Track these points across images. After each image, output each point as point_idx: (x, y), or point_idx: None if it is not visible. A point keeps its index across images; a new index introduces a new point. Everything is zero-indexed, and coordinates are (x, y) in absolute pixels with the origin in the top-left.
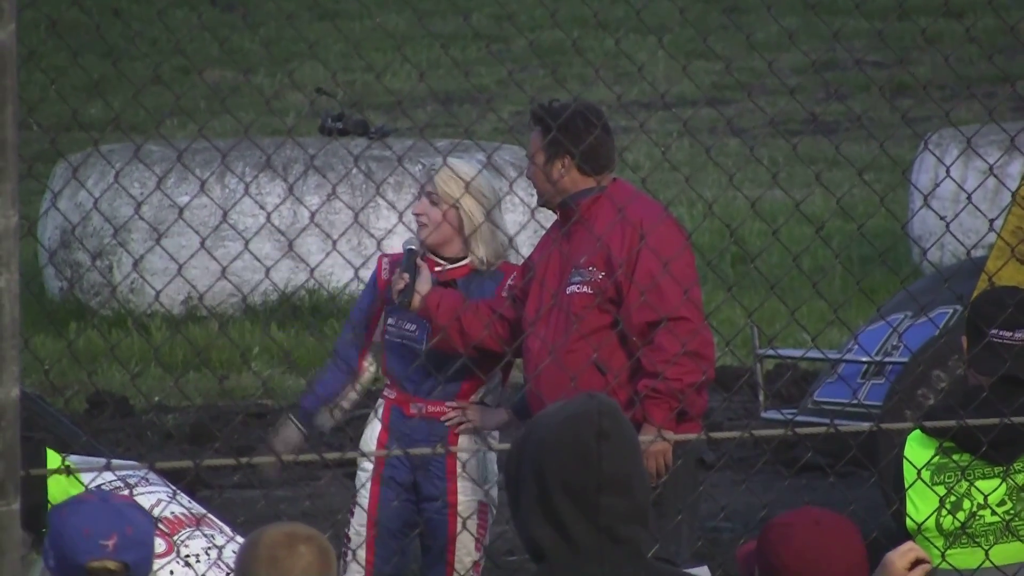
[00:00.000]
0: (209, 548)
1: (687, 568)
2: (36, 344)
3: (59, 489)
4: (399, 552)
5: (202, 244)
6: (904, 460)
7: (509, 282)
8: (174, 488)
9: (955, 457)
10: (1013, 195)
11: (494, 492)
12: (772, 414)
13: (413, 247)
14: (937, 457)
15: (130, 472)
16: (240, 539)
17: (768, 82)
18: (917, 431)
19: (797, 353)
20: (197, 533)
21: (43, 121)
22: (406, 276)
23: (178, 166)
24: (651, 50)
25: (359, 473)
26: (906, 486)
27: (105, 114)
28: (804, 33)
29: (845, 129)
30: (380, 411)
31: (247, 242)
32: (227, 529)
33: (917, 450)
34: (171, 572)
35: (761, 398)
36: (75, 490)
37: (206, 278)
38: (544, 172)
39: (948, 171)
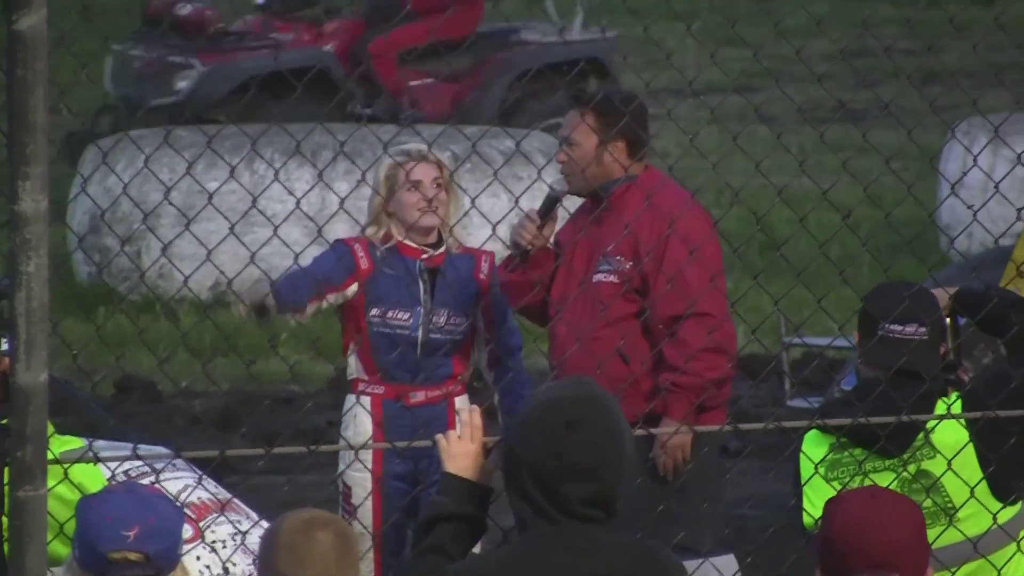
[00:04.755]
0: (235, 534)
1: (713, 556)
2: (65, 328)
3: (84, 474)
4: (406, 542)
5: (231, 230)
6: (801, 456)
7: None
8: (200, 473)
9: (846, 453)
10: None
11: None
12: (798, 402)
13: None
14: (831, 452)
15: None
16: (265, 524)
17: (797, 69)
18: (814, 429)
19: (824, 341)
20: (223, 518)
21: (73, 106)
22: (536, 222)
23: (208, 152)
24: (680, 37)
25: (351, 474)
26: (803, 482)
27: None
28: (833, 20)
29: (873, 117)
30: (367, 406)
31: (276, 228)
32: (253, 514)
33: (813, 446)
34: (197, 557)
35: (787, 386)
36: (97, 475)
37: (235, 263)
38: (597, 155)
39: (976, 159)
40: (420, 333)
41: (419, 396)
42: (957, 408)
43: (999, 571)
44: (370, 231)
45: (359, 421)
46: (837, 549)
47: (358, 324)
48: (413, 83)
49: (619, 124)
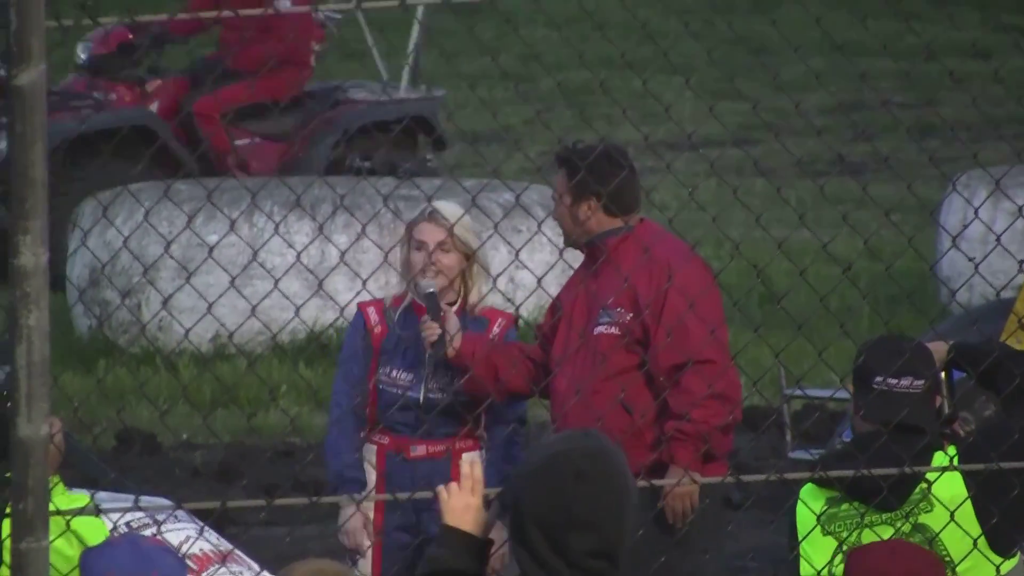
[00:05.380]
0: None
1: None
2: (65, 381)
3: (86, 527)
4: None
5: (231, 283)
6: (797, 510)
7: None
8: (202, 525)
9: (844, 506)
10: None
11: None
12: (800, 454)
13: (432, 290)
14: (827, 507)
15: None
16: (267, 575)
17: (795, 123)
18: (809, 483)
19: (825, 393)
20: (224, 570)
21: None
22: (436, 326)
23: (207, 205)
24: (678, 90)
25: (350, 525)
26: (799, 536)
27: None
28: (830, 74)
29: (872, 170)
30: (372, 458)
31: (276, 281)
32: (254, 566)
33: (809, 500)
34: None
35: (788, 438)
36: (99, 527)
37: (234, 316)
38: (571, 213)
39: (976, 212)
40: (421, 393)
41: (420, 450)
42: (954, 462)
43: None
44: (394, 290)
45: (366, 472)
46: None
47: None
48: (239, 142)
49: (590, 181)
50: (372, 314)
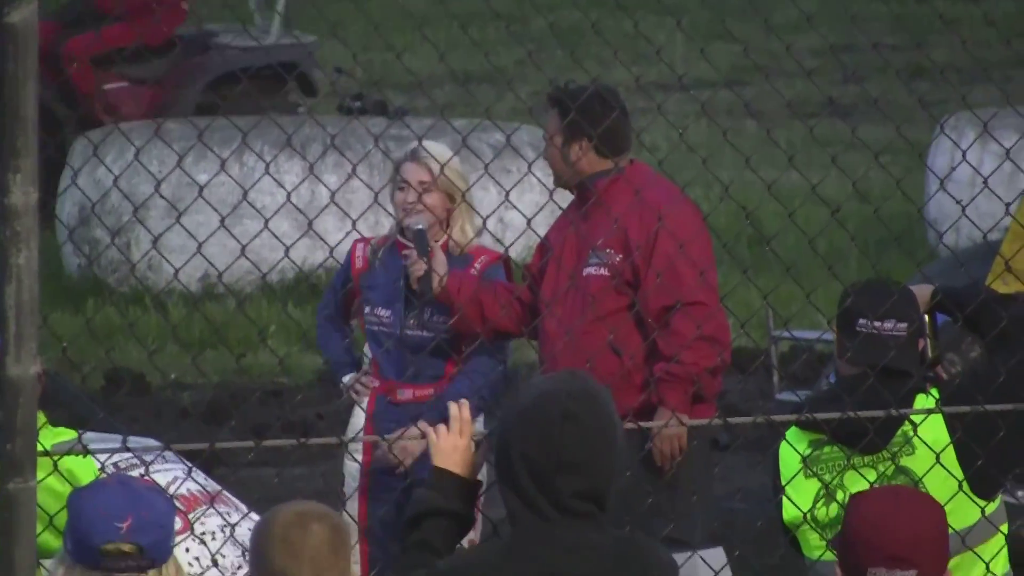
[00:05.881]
0: (224, 525)
1: (702, 549)
2: (54, 320)
3: (77, 465)
4: (393, 534)
5: (221, 222)
6: (780, 453)
7: (483, 263)
8: (190, 465)
9: (827, 449)
10: None
11: (484, 470)
12: (787, 395)
13: (422, 226)
14: (810, 449)
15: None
16: (255, 516)
17: (786, 65)
18: (793, 426)
19: (812, 335)
20: (212, 511)
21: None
22: (423, 263)
23: (198, 145)
24: (669, 32)
25: (348, 463)
26: (783, 479)
27: None
28: (822, 16)
29: (862, 112)
30: (364, 401)
31: (267, 221)
32: (242, 506)
33: (792, 443)
34: (187, 549)
35: (776, 380)
36: (89, 465)
37: (224, 256)
38: (562, 154)
39: (964, 155)
40: (399, 330)
41: (406, 394)
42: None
43: (987, 565)
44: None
45: (355, 412)
46: (856, 541)
47: (361, 319)
48: (110, 86)
49: (582, 122)
50: (359, 249)
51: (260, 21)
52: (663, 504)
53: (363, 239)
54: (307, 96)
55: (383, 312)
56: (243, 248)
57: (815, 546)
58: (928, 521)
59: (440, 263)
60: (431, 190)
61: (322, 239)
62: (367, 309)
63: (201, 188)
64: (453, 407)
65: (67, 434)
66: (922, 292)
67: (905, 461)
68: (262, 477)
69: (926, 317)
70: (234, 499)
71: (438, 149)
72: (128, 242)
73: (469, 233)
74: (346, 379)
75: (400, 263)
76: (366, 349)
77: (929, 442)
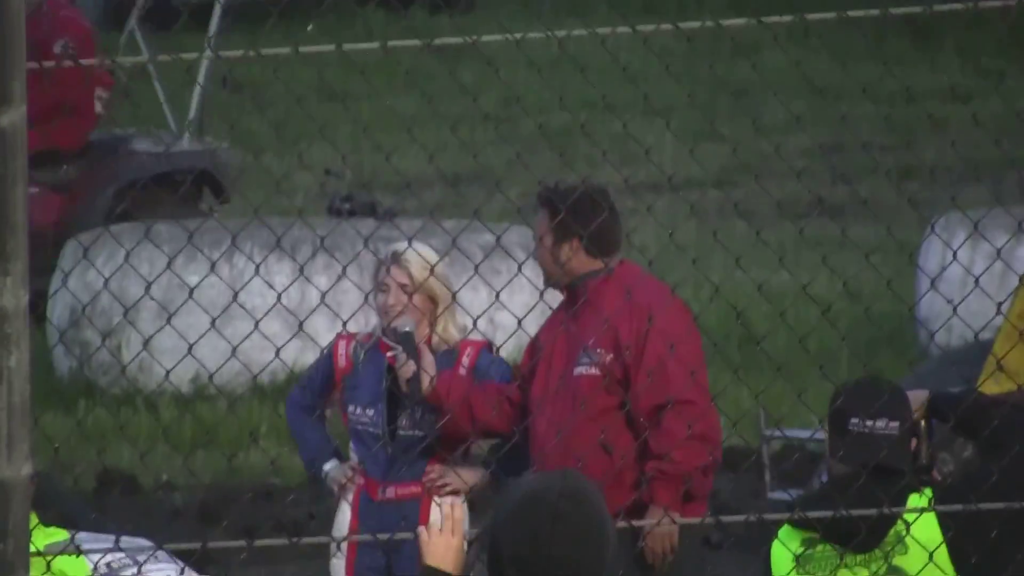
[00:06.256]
0: None
1: None
2: (45, 422)
3: (70, 565)
4: None
5: (212, 324)
6: (772, 552)
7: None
8: (183, 565)
9: (819, 548)
10: (1021, 279)
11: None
12: (779, 494)
13: (409, 328)
14: (802, 548)
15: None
16: None
17: (775, 165)
18: (786, 525)
19: (804, 434)
20: None
21: None
22: (411, 364)
23: (188, 247)
24: (659, 133)
25: (333, 562)
26: None
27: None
28: (811, 116)
29: (852, 212)
30: (350, 497)
31: (257, 322)
32: None
33: (784, 542)
34: None
35: (768, 479)
36: (82, 566)
37: (215, 357)
38: (552, 254)
39: (955, 255)
40: (383, 430)
41: (388, 493)
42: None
43: None
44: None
45: (341, 508)
46: None
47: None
48: None
49: (572, 222)
50: (343, 347)
51: (173, 126)
52: None
53: (347, 335)
54: (221, 202)
55: (368, 412)
56: (234, 349)
57: None
58: None
59: (429, 364)
60: (412, 292)
61: (313, 340)
62: (350, 408)
63: (191, 290)
64: (445, 507)
65: (59, 534)
66: (917, 396)
67: (898, 560)
68: None
69: (922, 422)
70: None
71: (424, 250)
72: (119, 344)
73: (452, 332)
74: (327, 467)
75: (383, 362)
76: (351, 447)
77: (922, 541)
